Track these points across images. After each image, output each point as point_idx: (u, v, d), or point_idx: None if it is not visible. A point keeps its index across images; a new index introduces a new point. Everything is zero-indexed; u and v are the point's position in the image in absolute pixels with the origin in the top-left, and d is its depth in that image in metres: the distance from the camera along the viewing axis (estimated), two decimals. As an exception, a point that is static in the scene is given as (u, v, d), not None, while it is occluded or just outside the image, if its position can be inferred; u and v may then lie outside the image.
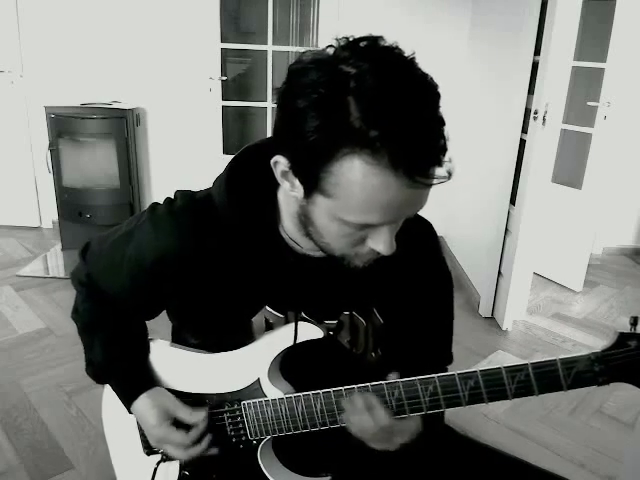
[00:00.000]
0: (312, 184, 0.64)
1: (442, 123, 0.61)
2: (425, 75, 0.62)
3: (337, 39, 0.63)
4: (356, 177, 0.60)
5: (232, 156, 0.81)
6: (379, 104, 0.58)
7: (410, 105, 0.59)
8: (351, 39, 0.62)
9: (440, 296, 0.92)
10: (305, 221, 0.71)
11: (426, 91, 0.61)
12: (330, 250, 0.72)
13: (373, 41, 0.62)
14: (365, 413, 0.74)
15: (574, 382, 0.67)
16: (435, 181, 0.62)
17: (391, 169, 0.59)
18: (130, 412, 0.88)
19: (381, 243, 0.68)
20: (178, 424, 0.85)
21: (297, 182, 0.67)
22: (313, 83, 0.60)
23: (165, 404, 0.85)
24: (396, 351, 0.90)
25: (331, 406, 0.77)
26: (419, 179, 0.60)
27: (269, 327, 0.84)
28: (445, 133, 0.61)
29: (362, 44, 0.62)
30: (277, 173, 0.69)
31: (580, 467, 1.75)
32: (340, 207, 0.64)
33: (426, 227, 0.90)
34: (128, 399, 0.87)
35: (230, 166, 0.80)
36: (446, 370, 0.89)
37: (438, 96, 0.62)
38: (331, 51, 0.63)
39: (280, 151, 0.67)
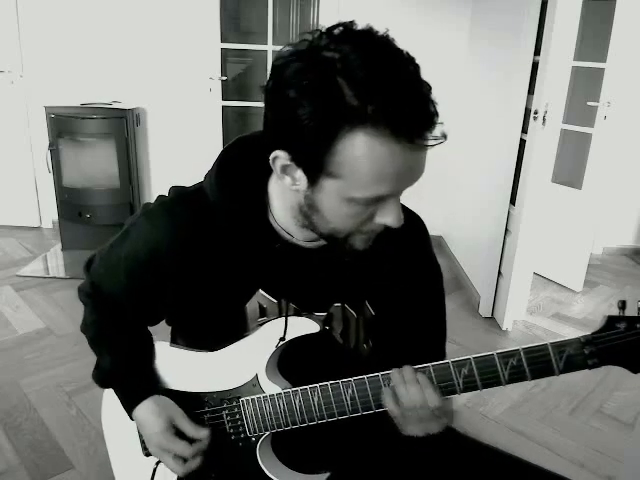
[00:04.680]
0: (317, 170, 0.66)
1: (430, 88, 0.64)
2: (402, 50, 0.65)
3: (311, 32, 0.65)
4: (361, 152, 0.62)
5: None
6: (370, 80, 0.61)
7: (399, 77, 0.62)
8: (324, 29, 0.65)
9: (429, 288, 0.93)
10: (308, 211, 0.72)
11: (408, 63, 0.64)
12: (336, 233, 0.73)
13: (347, 26, 0.65)
14: (416, 385, 0.73)
15: (566, 366, 0.68)
16: (433, 142, 0.65)
17: (393, 137, 0.61)
18: (131, 418, 0.87)
19: (390, 215, 0.70)
20: (179, 436, 0.85)
21: (299, 173, 0.68)
22: (299, 72, 0.62)
23: (171, 413, 0.85)
24: (387, 343, 0.91)
25: (328, 399, 0.78)
26: (419, 142, 0.63)
27: (263, 313, 0.84)
28: (434, 97, 0.64)
29: (336, 31, 0.64)
30: (277, 169, 0.70)
31: (580, 467, 1.75)
32: (349, 185, 0.65)
33: (415, 221, 0.91)
34: (130, 404, 0.87)
35: (220, 157, 0.83)
36: None
37: (419, 66, 0.65)
38: (307, 43, 0.64)
39: (277, 146, 0.67)
